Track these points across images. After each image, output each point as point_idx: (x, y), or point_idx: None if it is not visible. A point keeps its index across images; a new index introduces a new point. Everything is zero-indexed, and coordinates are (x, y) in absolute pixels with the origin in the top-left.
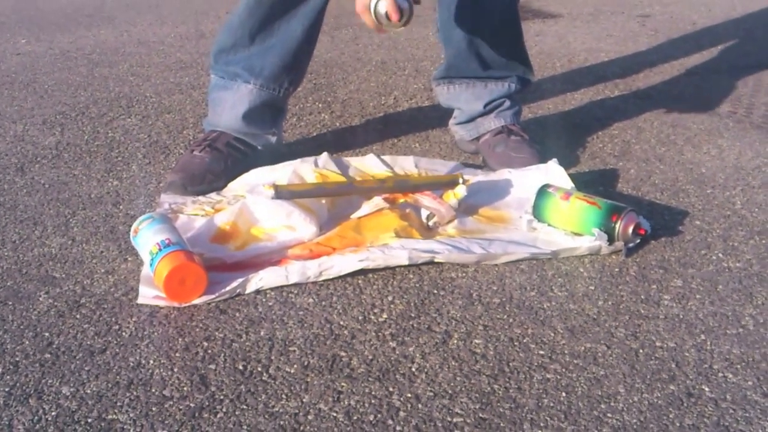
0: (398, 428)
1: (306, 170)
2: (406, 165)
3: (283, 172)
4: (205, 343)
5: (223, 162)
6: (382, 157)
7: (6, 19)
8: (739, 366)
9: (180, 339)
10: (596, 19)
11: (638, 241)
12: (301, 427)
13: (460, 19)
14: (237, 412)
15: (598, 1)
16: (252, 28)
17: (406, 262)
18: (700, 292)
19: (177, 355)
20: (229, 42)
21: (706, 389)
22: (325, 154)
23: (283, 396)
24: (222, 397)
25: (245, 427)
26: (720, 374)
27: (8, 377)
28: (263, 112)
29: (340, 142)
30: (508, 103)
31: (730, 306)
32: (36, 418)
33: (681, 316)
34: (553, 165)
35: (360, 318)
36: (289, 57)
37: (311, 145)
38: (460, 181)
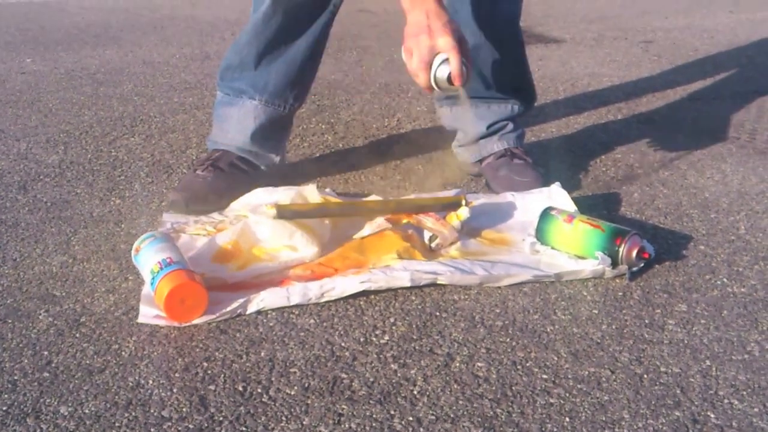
0: None
1: (310, 192)
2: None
3: (286, 194)
4: (205, 364)
5: (226, 181)
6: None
7: (12, 38)
8: (744, 392)
9: (180, 359)
10: (599, 44)
11: (642, 265)
12: None
13: None
14: None
15: (600, 26)
16: (259, 48)
17: (409, 284)
18: (704, 317)
19: (176, 375)
20: (235, 60)
21: (712, 416)
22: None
23: (283, 418)
24: (221, 419)
25: None
26: (726, 401)
27: (6, 396)
28: (269, 130)
29: (343, 163)
30: (511, 126)
31: (735, 331)
32: None
33: (686, 341)
34: (556, 188)
35: (361, 340)
36: (294, 73)
37: (314, 166)
38: (463, 203)
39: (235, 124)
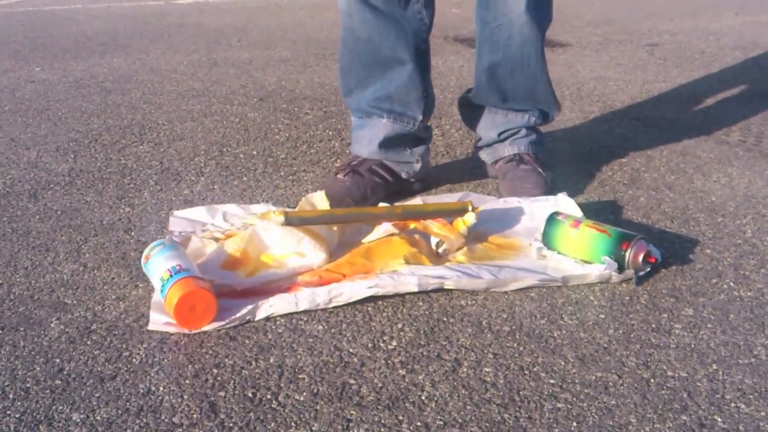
0: None
1: (318, 198)
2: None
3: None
4: (215, 370)
5: (363, 188)
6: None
7: (21, 47)
8: (751, 396)
9: (190, 366)
10: (605, 47)
11: (649, 269)
12: None
13: (480, 53)
14: None
15: (606, 29)
16: (358, 73)
17: (416, 289)
18: (711, 321)
19: (187, 382)
20: (348, 86)
21: (719, 420)
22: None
23: (293, 424)
24: (231, 425)
25: None
26: (732, 404)
27: (19, 403)
28: (401, 142)
29: None
30: (524, 131)
31: (742, 335)
32: None
33: (692, 346)
34: (562, 197)
35: (369, 345)
36: (414, 89)
37: (321, 173)
38: (470, 208)
39: (367, 143)
